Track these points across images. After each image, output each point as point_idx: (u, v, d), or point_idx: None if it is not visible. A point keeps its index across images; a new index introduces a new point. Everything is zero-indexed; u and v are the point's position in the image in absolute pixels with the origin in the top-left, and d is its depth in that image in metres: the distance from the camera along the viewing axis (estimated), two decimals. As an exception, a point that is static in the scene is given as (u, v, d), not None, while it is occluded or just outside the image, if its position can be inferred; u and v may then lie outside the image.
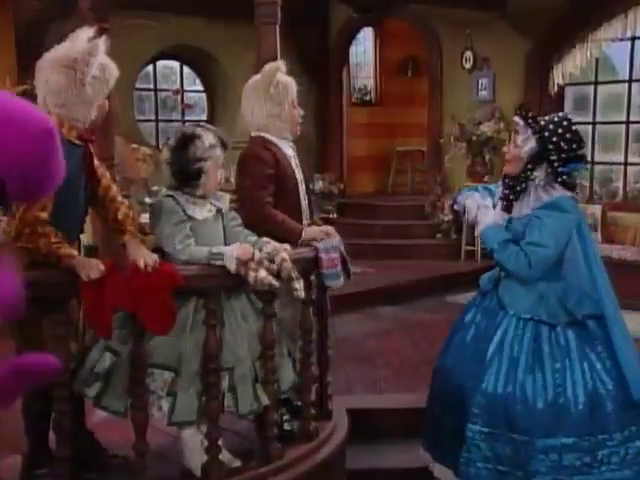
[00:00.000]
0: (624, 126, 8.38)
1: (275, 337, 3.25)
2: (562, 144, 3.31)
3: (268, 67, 3.62)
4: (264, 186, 3.50)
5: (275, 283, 3.06)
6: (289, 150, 3.66)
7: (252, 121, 3.63)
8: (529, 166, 3.37)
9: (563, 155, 3.31)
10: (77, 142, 2.91)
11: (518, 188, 3.40)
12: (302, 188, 3.69)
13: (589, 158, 7.81)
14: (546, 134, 3.32)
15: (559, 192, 3.36)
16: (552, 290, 3.38)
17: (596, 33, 8.01)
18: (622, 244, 7.65)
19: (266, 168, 3.51)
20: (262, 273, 3.02)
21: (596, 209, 7.91)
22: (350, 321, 6.52)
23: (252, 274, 3.00)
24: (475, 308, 3.61)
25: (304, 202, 3.69)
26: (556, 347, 3.34)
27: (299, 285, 3.18)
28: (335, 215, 9.54)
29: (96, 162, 3.13)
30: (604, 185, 9.03)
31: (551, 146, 3.31)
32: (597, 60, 8.40)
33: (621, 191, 8.57)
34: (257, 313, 3.24)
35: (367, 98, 11.52)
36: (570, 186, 3.38)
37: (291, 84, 3.62)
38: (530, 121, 3.37)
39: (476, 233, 3.64)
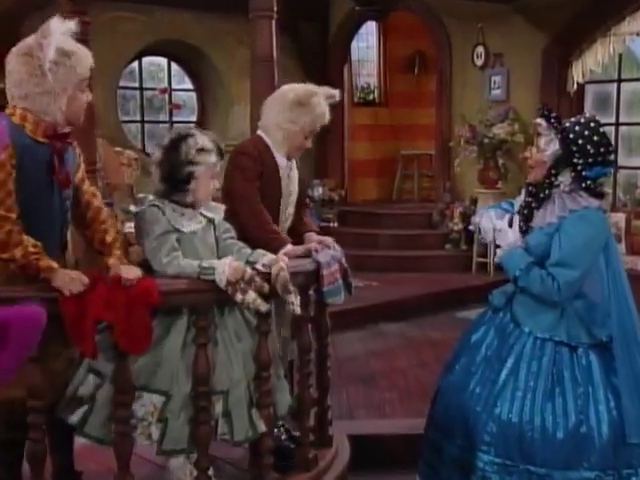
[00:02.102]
0: (650, 127, 8.42)
1: (271, 357, 3.23)
2: (588, 147, 3.28)
3: (313, 88, 3.69)
4: (253, 178, 3.57)
5: (263, 308, 3.06)
6: (283, 160, 3.68)
7: (262, 119, 3.72)
8: (553, 171, 3.34)
9: (590, 160, 3.29)
10: (41, 140, 2.85)
11: (541, 195, 3.38)
12: (287, 201, 3.73)
13: (611, 162, 7.80)
14: (571, 136, 3.30)
15: (586, 201, 3.32)
16: (573, 308, 3.34)
17: (619, 26, 8.05)
18: (648, 256, 7.66)
19: (255, 164, 3.59)
20: (250, 296, 3.01)
21: (620, 217, 7.91)
22: (352, 339, 6.51)
23: (239, 296, 2.99)
24: (485, 326, 3.56)
25: (283, 215, 3.72)
26: (578, 371, 3.29)
27: (296, 300, 3.17)
28: (336, 224, 9.55)
29: (80, 174, 3.11)
30: (628, 191, 9.01)
31: (575, 148, 3.28)
32: (620, 56, 8.43)
33: (647, 198, 8.58)
34: (252, 332, 3.22)
35: (370, 97, 11.56)
36: (597, 193, 3.36)
37: (320, 117, 3.69)
38: (553, 121, 3.35)
39: (497, 257, 3.63)
